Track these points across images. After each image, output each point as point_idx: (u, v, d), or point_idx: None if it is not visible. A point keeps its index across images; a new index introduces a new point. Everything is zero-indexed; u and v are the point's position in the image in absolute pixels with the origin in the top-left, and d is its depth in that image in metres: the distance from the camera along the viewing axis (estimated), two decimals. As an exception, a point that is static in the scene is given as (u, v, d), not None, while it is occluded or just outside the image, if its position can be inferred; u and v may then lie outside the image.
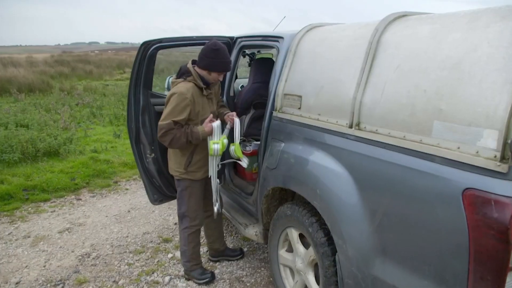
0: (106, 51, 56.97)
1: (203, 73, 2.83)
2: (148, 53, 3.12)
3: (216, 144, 2.85)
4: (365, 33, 2.15)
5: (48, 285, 3.29)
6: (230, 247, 3.86)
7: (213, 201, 3.17)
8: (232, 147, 3.05)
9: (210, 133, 2.87)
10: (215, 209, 3.18)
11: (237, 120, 3.05)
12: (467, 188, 1.54)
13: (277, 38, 3.00)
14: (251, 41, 3.40)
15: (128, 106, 3.26)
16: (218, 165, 3.06)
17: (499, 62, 1.51)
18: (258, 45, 3.42)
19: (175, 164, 3.03)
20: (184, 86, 2.77)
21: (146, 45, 3.11)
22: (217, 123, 2.88)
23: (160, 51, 3.23)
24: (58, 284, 3.29)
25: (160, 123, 2.73)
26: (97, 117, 10.22)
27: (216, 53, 2.76)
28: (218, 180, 3.13)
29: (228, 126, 3.08)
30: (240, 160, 3.16)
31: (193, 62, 2.88)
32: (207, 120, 2.85)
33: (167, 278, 3.35)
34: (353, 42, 2.22)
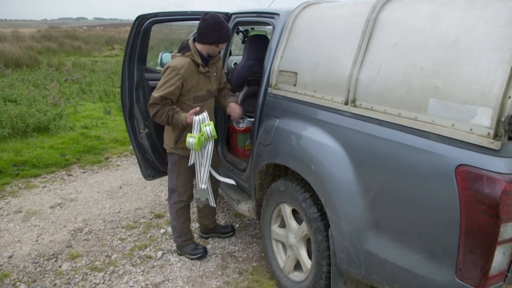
0: (94, 27, 55.84)
1: (206, 48, 2.81)
2: (143, 27, 3.08)
3: (192, 138, 2.69)
4: (363, 10, 2.15)
5: (41, 259, 3.30)
6: (222, 223, 3.91)
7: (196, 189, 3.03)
8: (208, 127, 2.74)
9: (190, 124, 2.75)
10: (197, 198, 3.08)
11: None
12: (460, 165, 1.58)
13: (272, 14, 2.98)
14: (247, 18, 3.37)
15: (122, 81, 3.24)
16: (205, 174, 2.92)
17: (496, 42, 1.53)
18: (253, 21, 3.40)
19: (167, 138, 3.05)
20: (180, 61, 2.75)
21: (141, 19, 3.07)
22: (199, 117, 2.72)
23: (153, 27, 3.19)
24: (51, 258, 3.31)
25: (152, 94, 2.75)
26: (87, 93, 10.10)
27: (220, 25, 2.76)
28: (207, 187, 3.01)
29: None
30: (226, 178, 3.11)
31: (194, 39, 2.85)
32: (191, 111, 2.75)
33: (159, 253, 3.38)
34: (351, 19, 2.22)
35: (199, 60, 2.79)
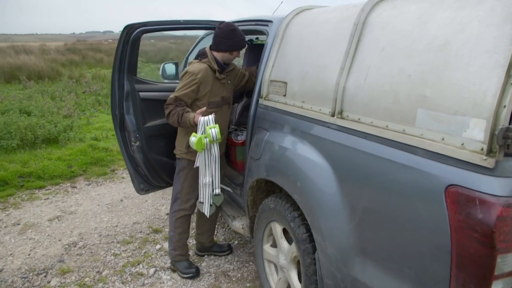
0: (119, 40, 57.00)
1: (221, 56, 2.87)
2: (131, 37, 2.98)
3: (194, 137, 2.63)
4: (351, 14, 1.98)
5: (31, 274, 3.20)
6: (221, 239, 3.75)
7: (199, 192, 2.92)
8: (213, 130, 2.63)
9: (196, 124, 2.69)
10: (199, 202, 2.94)
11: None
12: (450, 185, 1.38)
13: (266, 22, 2.84)
14: (243, 26, 3.23)
15: (112, 92, 3.13)
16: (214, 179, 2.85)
17: (489, 43, 1.33)
18: (250, 29, 3.25)
19: (178, 143, 3.03)
20: (197, 66, 2.81)
21: (129, 28, 2.97)
22: (204, 118, 2.65)
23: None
24: (41, 273, 3.21)
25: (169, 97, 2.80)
26: (102, 104, 10.16)
27: (234, 33, 2.82)
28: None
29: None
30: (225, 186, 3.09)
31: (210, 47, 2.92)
32: (198, 111, 2.71)
33: (152, 270, 3.24)
34: (339, 24, 2.05)
35: (215, 66, 2.83)
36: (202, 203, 2.92)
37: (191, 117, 2.70)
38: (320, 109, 2.05)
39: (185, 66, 4.36)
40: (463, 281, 1.37)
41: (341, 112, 1.90)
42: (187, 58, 4.82)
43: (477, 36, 1.37)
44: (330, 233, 1.90)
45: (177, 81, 3.90)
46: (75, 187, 5.08)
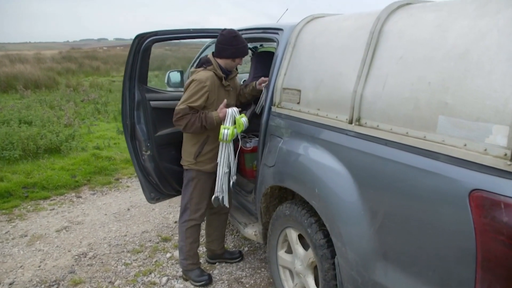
0: (114, 47, 57.03)
1: (224, 62, 2.88)
2: (142, 46, 3.01)
3: (226, 129, 2.79)
4: (367, 23, 2.02)
5: (43, 286, 3.20)
6: (231, 246, 3.76)
7: (216, 188, 3.01)
8: (244, 118, 2.87)
9: (224, 118, 2.83)
10: (213, 197, 3.02)
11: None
12: (474, 189, 1.41)
13: (276, 30, 2.88)
14: (251, 34, 3.28)
15: (122, 102, 3.16)
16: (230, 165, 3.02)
17: (510, 51, 1.37)
18: (258, 37, 3.30)
19: (185, 154, 3.02)
20: (204, 74, 2.80)
21: (140, 38, 3.00)
22: (232, 109, 2.84)
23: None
24: (53, 285, 3.21)
25: (176, 108, 2.77)
26: (102, 113, 10.16)
27: (237, 40, 2.83)
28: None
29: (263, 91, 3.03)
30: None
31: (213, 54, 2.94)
32: (221, 105, 2.83)
33: (164, 279, 3.25)
34: (354, 32, 2.09)
35: (221, 73, 2.85)
36: (218, 198, 3.00)
37: (215, 114, 2.80)
38: (336, 117, 2.08)
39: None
40: (489, 282, 1.41)
41: (358, 119, 1.93)
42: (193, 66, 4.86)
43: (497, 45, 1.41)
44: (350, 238, 1.93)
45: (181, 89, 3.93)
46: (80, 197, 5.08)
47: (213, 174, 3.01)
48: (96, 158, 6.24)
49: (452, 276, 1.52)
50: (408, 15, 1.85)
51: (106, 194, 5.18)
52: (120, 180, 5.65)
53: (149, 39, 3.02)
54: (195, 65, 3.06)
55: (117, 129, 8.21)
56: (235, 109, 2.86)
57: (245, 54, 3.00)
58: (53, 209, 4.69)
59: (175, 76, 4.57)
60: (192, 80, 2.79)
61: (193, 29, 3.19)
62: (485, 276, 1.41)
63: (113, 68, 22.86)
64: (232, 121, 2.83)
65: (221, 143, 2.91)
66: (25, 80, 14.11)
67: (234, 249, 3.71)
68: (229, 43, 2.82)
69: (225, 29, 2.91)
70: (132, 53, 3.02)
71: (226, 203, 3.04)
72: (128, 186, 5.42)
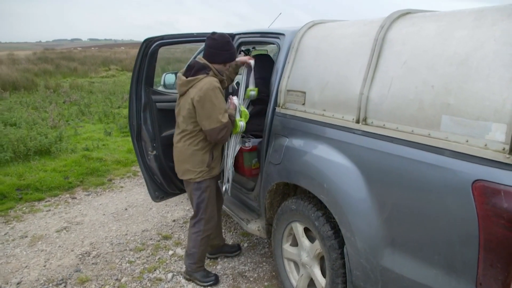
0: (89, 48, 56.18)
1: (217, 67, 2.86)
2: (150, 50, 3.12)
3: (242, 121, 2.97)
4: (370, 30, 2.20)
5: (50, 284, 3.28)
6: (230, 243, 3.90)
7: (224, 179, 3.20)
8: (252, 92, 3.18)
9: (235, 109, 2.98)
10: (224, 188, 3.24)
11: (252, 62, 3.20)
12: (476, 180, 1.61)
13: (277, 35, 3.03)
14: (250, 38, 3.42)
15: (129, 103, 3.27)
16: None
17: (506, 59, 1.57)
18: (257, 41, 3.45)
19: (196, 165, 2.92)
20: (211, 80, 2.75)
21: (148, 42, 3.12)
22: (235, 100, 3.02)
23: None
24: (60, 284, 3.28)
25: (217, 125, 2.72)
26: (86, 114, 10.12)
27: (229, 45, 2.85)
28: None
29: (245, 71, 3.21)
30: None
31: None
32: (229, 99, 2.96)
33: (169, 275, 3.37)
34: (358, 39, 2.27)
35: (222, 77, 2.91)
36: (227, 189, 3.21)
37: (230, 111, 2.90)
38: (343, 117, 2.26)
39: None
40: (491, 261, 1.60)
41: (365, 119, 2.11)
42: None
43: (494, 53, 1.61)
44: (359, 228, 2.10)
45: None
46: (75, 198, 5.13)
47: (217, 177, 3.14)
48: (87, 160, 6.27)
49: (457, 258, 1.71)
50: (410, 24, 2.03)
51: (101, 194, 5.24)
52: (113, 181, 5.71)
53: (156, 43, 3.13)
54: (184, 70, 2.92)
55: (104, 131, 8.22)
56: (235, 99, 3.01)
57: (234, 59, 3.02)
58: (49, 210, 4.73)
59: (170, 78, 4.68)
60: (207, 90, 2.69)
61: (196, 33, 3.32)
62: (487, 255, 1.61)
63: (91, 69, 22.57)
64: (239, 112, 3.03)
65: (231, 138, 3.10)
66: (2, 82, 13.87)
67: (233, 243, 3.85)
68: (224, 48, 2.81)
69: (215, 33, 2.85)
70: (140, 56, 3.13)
71: (229, 192, 3.24)
72: (122, 187, 5.49)
